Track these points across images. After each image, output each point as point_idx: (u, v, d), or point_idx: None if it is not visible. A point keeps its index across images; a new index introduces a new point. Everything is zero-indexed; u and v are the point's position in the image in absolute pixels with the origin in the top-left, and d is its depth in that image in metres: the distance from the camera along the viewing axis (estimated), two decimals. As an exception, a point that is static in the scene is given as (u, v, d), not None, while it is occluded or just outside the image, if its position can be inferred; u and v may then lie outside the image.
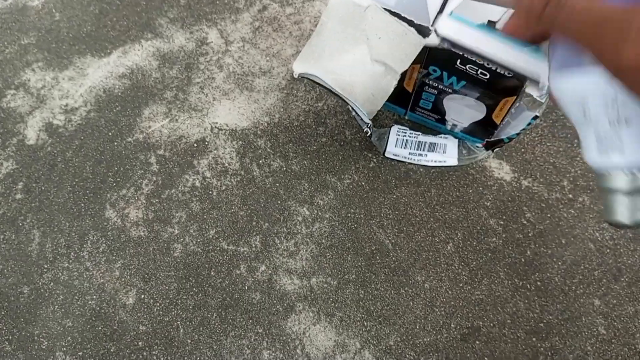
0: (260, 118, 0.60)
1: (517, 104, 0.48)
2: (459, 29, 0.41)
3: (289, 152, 0.58)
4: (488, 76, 0.43)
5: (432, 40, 0.41)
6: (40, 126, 0.61)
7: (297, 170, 0.57)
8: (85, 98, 0.63)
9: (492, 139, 0.53)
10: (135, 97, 0.62)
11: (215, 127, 0.60)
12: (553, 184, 0.56)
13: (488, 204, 0.55)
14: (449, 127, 0.55)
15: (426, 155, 0.56)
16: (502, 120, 0.49)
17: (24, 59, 0.66)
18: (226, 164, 0.58)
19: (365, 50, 0.45)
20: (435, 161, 0.56)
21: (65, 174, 0.58)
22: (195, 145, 0.59)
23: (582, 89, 0.27)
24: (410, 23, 0.41)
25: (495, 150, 0.56)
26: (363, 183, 0.56)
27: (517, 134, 0.51)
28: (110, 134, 0.60)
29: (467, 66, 0.43)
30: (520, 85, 0.42)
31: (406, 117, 0.58)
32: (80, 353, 0.51)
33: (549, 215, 0.55)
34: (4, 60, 0.66)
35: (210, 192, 0.57)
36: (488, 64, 0.41)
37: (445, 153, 0.56)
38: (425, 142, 0.56)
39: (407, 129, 0.57)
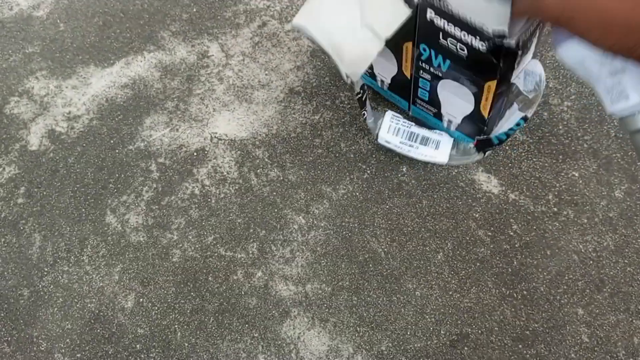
0: (259, 129, 0.62)
1: (505, 99, 0.50)
2: None
3: (286, 163, 0.60)
4: (466, 51, 0.45)
5: None
6: (43, 133, 0.63)
7: (293, 180, 0.59)
8: (87, 106, 0.64)
9: (482, 138, 0.55)
10: (137, 106, 0.64)
11: (215, 137, 0.62)
12: (539, 197, 0.58)
13: (477, 215, 0.57)
14: (445, 124, 0.57)
15: (417, 147, 0.57)
16: (489, 113, 0.51)
17: (28, 67, 0.68)
18: (225, 173, 0.60)
19: (357, 15, 0.47)
20: (425, 155, 0.57)
21: (67, 180, 0.60)
22: (195, 154, 0.61)
23: (578, 55, 0.33)
24: None
25: (486, 153, 0.57)
26: (357, 193, 0.59)
27: (507, 136, 0.53)
28: (112, 141, 0.62)
29: (448, 40, 0.45)
30: (496, 64, 0.45)
31: (410, 113, 0.60)
32: (78, 355, 0.52)
33: (534, 227, 0.57)
34: (9, 68, 0.68)
35: (209, 200, 0.58)
36: (464, 37, 0.44)
37: (437, 150, 0.58)
38: (418, 134, 0.58)
39: (401, 116, 0.59)
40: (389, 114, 0.59)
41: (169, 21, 0.70)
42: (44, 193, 0.59)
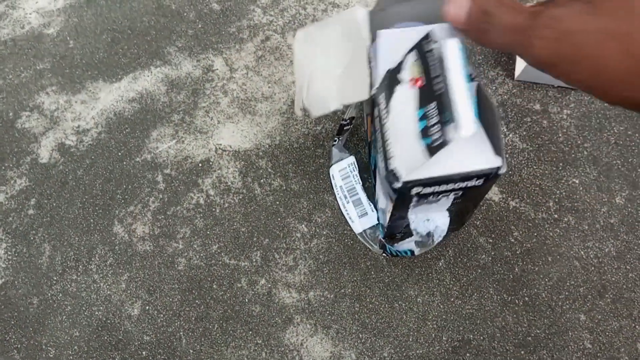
0: (262, 140, 0.63)
1: (402, 227, 0.48)
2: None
3: (289, 172, 0.61)
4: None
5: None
6: (53, 146, 0.65)
7: (296, 190, 0.60)
8: (96, 120, 0.66)
9: (384, 239, 0.53)
10: (144, 119, 0.65)
11: (220, 148, 0.63)
12: (539, 204, 0.59)
13: (478, 222, 0.58)
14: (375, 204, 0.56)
15: (348, 202, 0.58)
16: (388, 222, 0.48)
17: (39, 83, 0.70)
18: (229, 183, 0.61)
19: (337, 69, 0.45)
20: (348, 213, 0.58)
21: (76, 191, 0.61)
22: (200, 165, 0.62)
23: None
24: None
25: (382, 255, 0.56)
26: (359, 202, 0.59)
27: (397, 254, 0.53)
28: (119, 154, 0.63)
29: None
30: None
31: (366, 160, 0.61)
32: (85, 362, 0.53)
33: (535, 234, 0.57)
34: (20, 84, 0.70)
35: (214, 210, 0.60)
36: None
37: (359, 218, 0.57)
38: (357, 194, 0.58)
39: (357, 169, 0.59)
40: (351, 158, 0.60)
41: (175, 37, 0.72)
42: (54, 204, 0.61)
